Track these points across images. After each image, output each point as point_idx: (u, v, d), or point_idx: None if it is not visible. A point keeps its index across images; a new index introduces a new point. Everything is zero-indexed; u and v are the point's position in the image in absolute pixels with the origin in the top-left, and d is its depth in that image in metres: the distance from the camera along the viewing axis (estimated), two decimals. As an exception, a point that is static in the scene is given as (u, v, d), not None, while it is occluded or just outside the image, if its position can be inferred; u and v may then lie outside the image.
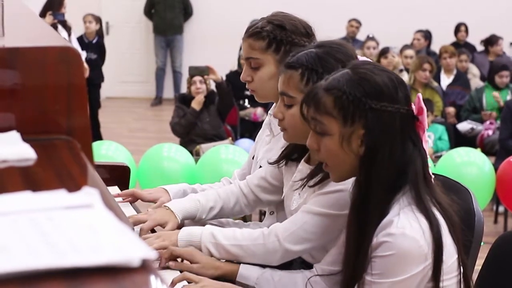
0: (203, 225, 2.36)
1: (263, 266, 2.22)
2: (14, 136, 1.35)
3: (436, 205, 1.93)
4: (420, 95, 1.96)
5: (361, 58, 2.26)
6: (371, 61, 2.16)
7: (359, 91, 1.90)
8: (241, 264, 2.20)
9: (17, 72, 1.39)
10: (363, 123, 1.90)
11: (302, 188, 2.28)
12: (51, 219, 0.97)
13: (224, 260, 2.24)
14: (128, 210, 2.60)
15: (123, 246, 0.91)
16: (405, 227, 1.84)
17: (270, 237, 2.20)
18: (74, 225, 0.95)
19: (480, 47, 10.50)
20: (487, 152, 6.86)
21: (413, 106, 1.96)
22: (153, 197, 2.66)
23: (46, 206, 1.01)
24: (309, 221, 2.18)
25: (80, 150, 1.36)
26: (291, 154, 2.41)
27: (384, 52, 8.24)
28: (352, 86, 1.91)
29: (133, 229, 2.28)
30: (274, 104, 2.71)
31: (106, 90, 10.78)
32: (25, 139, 1.33)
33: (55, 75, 1.40)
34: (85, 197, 1.03)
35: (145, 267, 0.89)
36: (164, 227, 2.38)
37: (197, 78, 6.58)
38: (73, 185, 1.11)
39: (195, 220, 2.49)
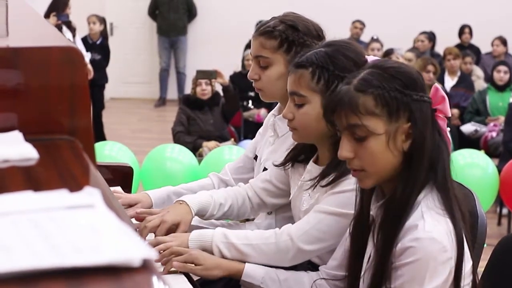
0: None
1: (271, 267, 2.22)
2: (16, 136, 1.35)
3: (457, 202, 1.88)
4: (437, 84, 1.94)
5: (369, 57, 2.25)
6: (384, 59, 2.15)
7: (398, 84, 1.85)
8: (246, 263, 2.19)
9: (20, 72, 1.39)
10: (407, 116, 1.85)
11: (313, 188, 2.27)
12: (52, 219, 0.97)
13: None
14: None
15: (124, 246, 0.91)
16: (432, 230, 1.78)
17: (282, 236, 2.19)
18: (75, 225, 0.95)
19: (484, 49, 10.50)
20: (491, 154, 6.85)
21: None
22: (130, 200, 2.61)
23: (48, 206, 1.01)
24: (323, 220, 2.17)
25: (82, 150, 1.36)
26: (298, 156, 2.40)
27: (388, 53, 8.24)
28: (388, 81, 1.86)
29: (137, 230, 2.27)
30: (279, 104, 2.71)
31: (110, 91, 10.79)
32: (27, 139, 1.33)
33: (58, 75, 1.40)
34: (87, 197, 1.03)
35: (146, 267, 0.89)
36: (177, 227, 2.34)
37: (203, 80, 6.60)
38: (75, 185, 1.11)
39: (205, 217, 2.48)
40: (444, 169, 1.88)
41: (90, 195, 1.04)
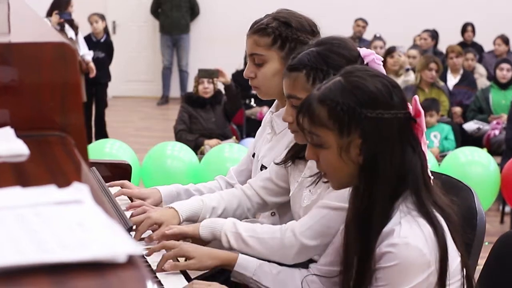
0: None
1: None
2: (7, 132, 1.34)
3: (436, 208, 1.90)
4: (416, 97, 1.93)
5: (361, 50, 2.23)
6: (363, 66, 2.13)
7: (352, 100, 1.85)
8: (240, 254, 2.18)
9: (12, 68, 1.38)
10: (359, 132, 1.85)
11: (315, 185, 2.26)
12: (39, 215, 0.96)
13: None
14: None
15: (109, 242, 0.90)
16: (407, 236, 1.81)
17: (286, 232, 2.20)
18: (62, 221, 0.95)
19: (487, 47, 10.48)
20: (493, 152, 6.83)
21: (410, 108, 1.92)
22: (141, 194, 2.65)
23: (35, 202, 1.00)
24: (327, 215, 2.17)
25: (73, 146, 1.35)
26: (299, 152, 2.39)
27: (390, 51, 8.23)
28: (345, 96, 1.86)
29: (128, 226, 2.27)
30: (276, 101, 2.70)
31: (112, 89, 10.78)
32: (19, 135, 1.32)
33: (50, 71, 1.39)
34: (74, 193, 1.03)
35: (131, 263, 0.88)
36: (159, 227, 2.35)
37: (206, 78, 6.59)
38: (64, 181, 1.10)
39: (197, 221, 2.47)
40: (417, 181, 1.89)
41: (78, 190, 1.04)
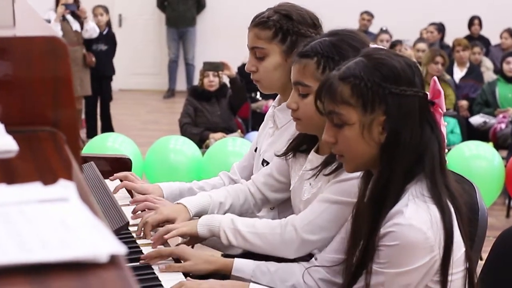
0: None
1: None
2: (-4, 127, 1.32)
3: (448, 193, 1.90)
4: (436, 78, 1.94)
5: (373, 46, 2.22)
6: (384, 47, 2.13)
7: (377, 76, 1.86)
8: (235, 258, 2.17)
9: (2, 62, 1.36)
10: (383, 109, 1.86)
11: (315, 178, 2.25)
12: (22, 213, 0.94)
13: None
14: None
15: (91, 241, 0.88)
16: (412, 217, 1.81)
17: (287, 227, 2.18)
18: (45, 219, 0.93)
19: (494, 40, 10.44)
20: (500, 145, 6.80)
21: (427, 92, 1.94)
22: (144, 189, 2.64)
23: (19, 200, 0.98)
24: (327, 209, 2.15)
25: (64, 142, 1.34)
26: (300, 145, 2.38)
27: (395, 45, 8.20)
28: (369, 72, 1.87)
29: (125, 222, 2.25)
30: (279, 96, 2.68)
31: (118, 82, 10.79)
32: (9, 130, 1.30)
33: (41, 66, 1.37)
34: (60, 191, 1.01)
35: (113, 263, 0.86)
36: (173, 223, 2.34)
37: (210, 71, 6.59)
38: (52, 178, 1.08)
39: None
40: (433, 161, 1.89)
41: (64, 188, 1.02)
